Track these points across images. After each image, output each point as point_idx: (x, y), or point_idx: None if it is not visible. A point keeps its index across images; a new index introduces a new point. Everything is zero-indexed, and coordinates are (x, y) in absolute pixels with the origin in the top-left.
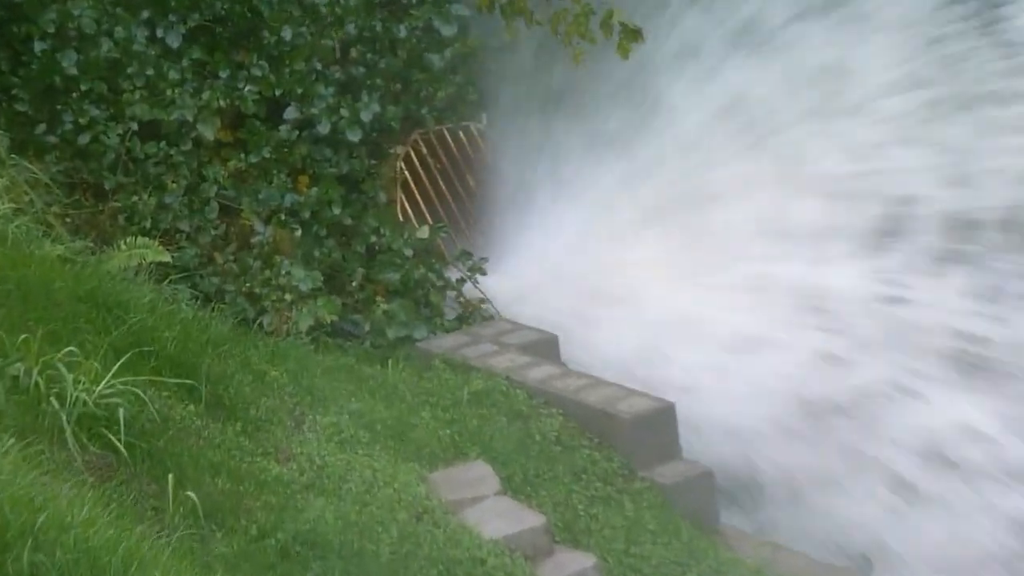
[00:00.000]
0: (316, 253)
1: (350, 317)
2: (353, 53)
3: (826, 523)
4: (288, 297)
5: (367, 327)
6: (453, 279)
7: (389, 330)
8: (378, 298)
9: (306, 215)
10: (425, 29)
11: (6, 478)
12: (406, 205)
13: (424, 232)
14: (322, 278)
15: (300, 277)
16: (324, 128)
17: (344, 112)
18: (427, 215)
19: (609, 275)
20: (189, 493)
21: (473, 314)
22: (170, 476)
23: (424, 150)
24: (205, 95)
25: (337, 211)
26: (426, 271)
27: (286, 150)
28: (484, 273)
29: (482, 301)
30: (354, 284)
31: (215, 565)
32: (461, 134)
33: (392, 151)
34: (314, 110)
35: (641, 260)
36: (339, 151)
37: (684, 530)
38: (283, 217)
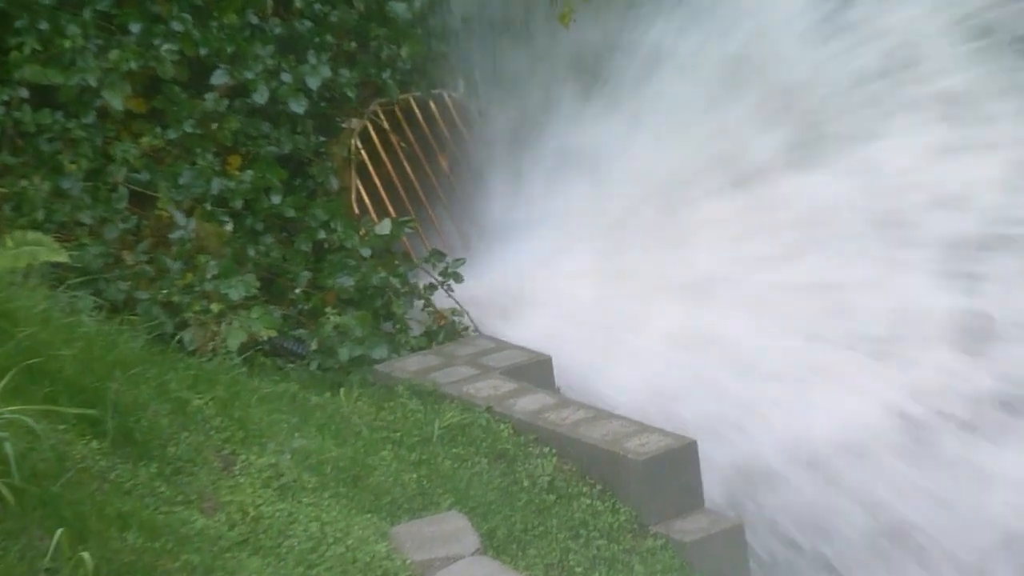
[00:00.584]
0: (251, 252)
1: (293, 332)
2: (297, 3)
3: None
4: (215, 307)
5: (314, 345)
6: (421, 286)
7: (341, 349)
8: (328, 309)
9: (238, 205)
10: None
11: None
12: (363, 193)
13: (385, 227)
14: (258, 284)
15: (230, 282)
16: (261, 97)
17: (286, 77)
18: (389, 206)
19: (618, 284)
20: (84, 554)
21: (446, 329)
22: (59, 531)
23: (386, 124)
24: (112, 55)
25: (277, 200)
26: (387, 275)
27: (213, 124)
28: (460, 279)
29: (457, 313)
30: (298, 291)
31: None
32: (432, 105)
33: (345, 125)
34: (248, 74)
35: (663, 266)
36: (280, 125)
37: None
38: (209, 207)
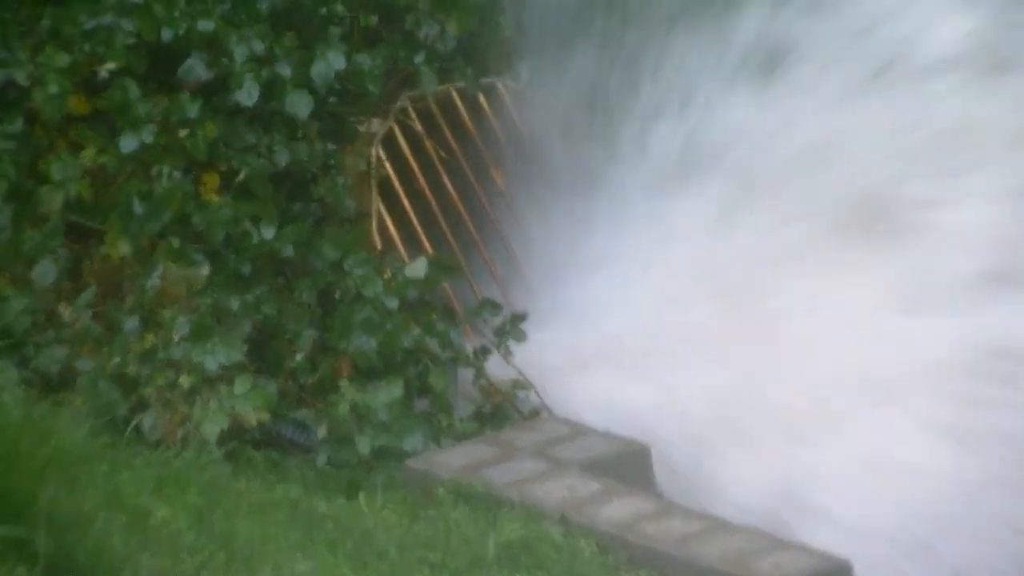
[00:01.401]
0: (234, 304)
1: (293, 415)
2: None
3: None
4: (186, 381)
5: (322, 432)
6: (470, 349)
7: (360, 437)
8: (341, 381)
9: (217, 240)
10: None
11: None
12: (388, 221)
13: (419, 268)
14: (244, 348)
15: (206, 346)
16: (248, 94)
17: (282, 67)
18: (424, 239)
19: (749, 345)
20: None
21: (504, 409)
22: None
23: (419, 127)
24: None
25: (270, 233)
26: (423, 335)
27: (182, 131)
28: (523, 339)
29: (519, 386)
30: (299, 358)
31: None
32: (482, 99)
33: (364, 129)
34: (230, 63)
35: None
36: (273, 131)
37: None
38: (177, 244)
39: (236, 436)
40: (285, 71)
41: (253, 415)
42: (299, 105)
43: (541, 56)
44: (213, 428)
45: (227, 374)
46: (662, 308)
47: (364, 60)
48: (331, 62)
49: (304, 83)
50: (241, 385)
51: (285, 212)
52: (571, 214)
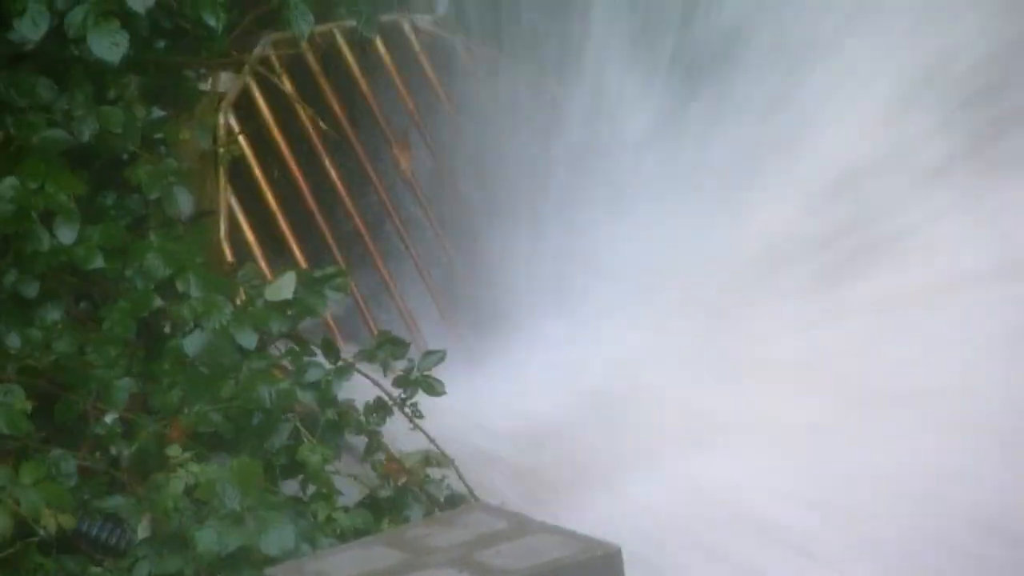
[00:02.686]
0: (11, 340)
1: (100, 504)
2: None
3: None
4: None
5: (143, 528)
6: (361, 407)
7: (200, 535)
8: (172, 452)
9: None
10: None
11: None
12: (241, 220)
13: (286, 287)
14: (29, 405)
15: None
16: (33, 28)
17: None
18: (294, 245)
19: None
20: None
21: (409, 494)
22: None
23: (288, 86)
24: None
25: (68, 236)
26: (292, 386)
27: None
28: (438, 391)
29: (433, 461)
30: (110, 419)
31: None
32: (381, 45)
33: (207, 87)
34: None
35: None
36: (72, 87)
37: None
38: None
39: (21, 535)
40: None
41: (50, 518)
42: (109, 48)
43: None
44: None
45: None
46: (628, 357)
47: None
48: None
49: (116, 14)
50: (27, 467)
51: (89, 206)
52: (505, 212)
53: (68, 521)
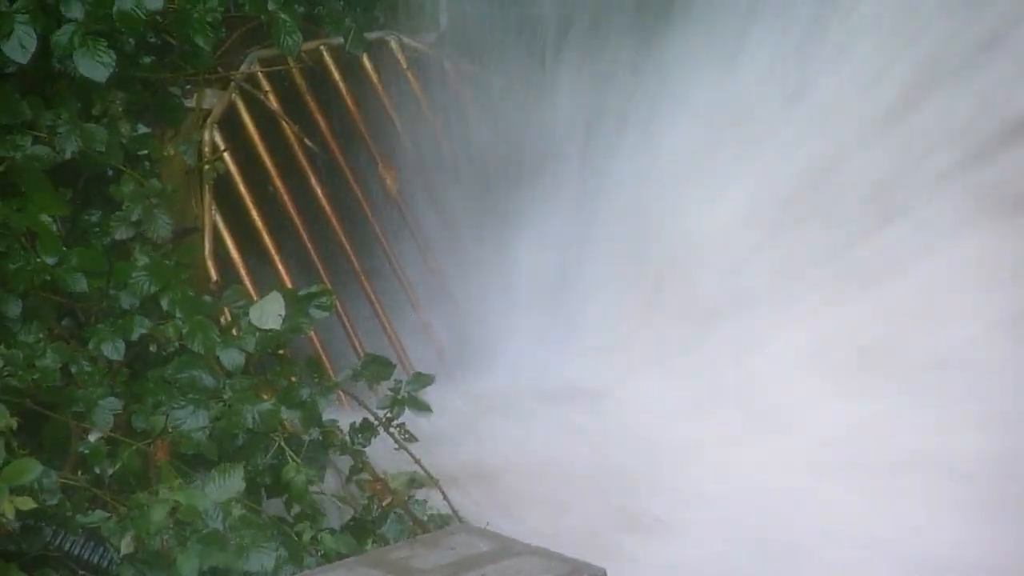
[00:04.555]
0: None
1: (83, 518)
2: None
3: None
4: None
5: (126, 546)
6: (346, 428)
7: (183, 555)
8: (152, 472)
9: None
10: None
11: None
12: (227, 238)
13: (272, 309)
14: (14, 423)
15: None
16: (18, 49)
17: (71, 7)
18: (279, 264)
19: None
20: None
21: (394, 515)
22: None
23: (274, 103)
24: None
25: (52, 259)
26: (276, 407)
27: None
28: (426, 410)
29: (419, 483)
30: (94, 439)
31: None
32: (367, 62)
33: (193, 103)
34: None
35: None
36: (55, 105)
37: None
38: None
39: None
40: (75, 12)
41: (7, 503)
42: (94, 66)
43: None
44: None
45: None
46: (622, 374)
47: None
48: (144, 3)
49: (101, 32)
50: (6, 471)
51: (72, 228)
52: (496, 229)
53: (29, 504)
